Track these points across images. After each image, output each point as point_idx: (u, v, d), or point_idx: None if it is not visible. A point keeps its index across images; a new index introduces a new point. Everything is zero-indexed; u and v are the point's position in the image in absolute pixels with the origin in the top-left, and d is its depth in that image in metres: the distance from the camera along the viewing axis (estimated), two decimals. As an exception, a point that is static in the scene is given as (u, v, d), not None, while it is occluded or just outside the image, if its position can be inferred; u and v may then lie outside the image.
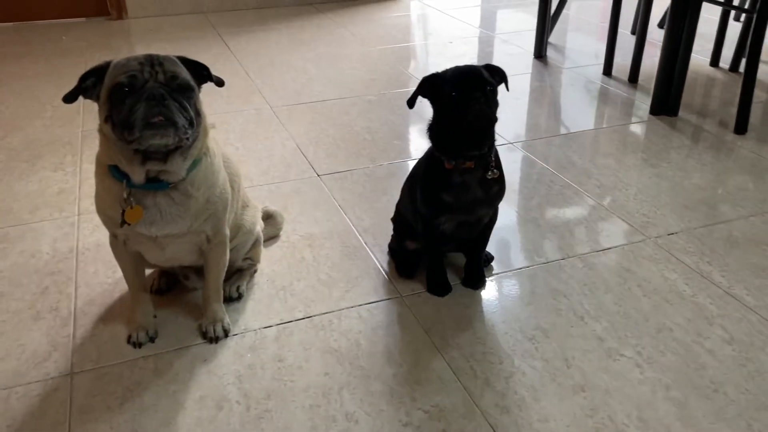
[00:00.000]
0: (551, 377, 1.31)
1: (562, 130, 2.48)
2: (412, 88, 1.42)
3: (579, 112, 2.66)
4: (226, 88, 2.89)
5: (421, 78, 1.41)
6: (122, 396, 1.29)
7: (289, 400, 1.27)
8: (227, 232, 1.41)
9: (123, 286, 1.59)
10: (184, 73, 1.21)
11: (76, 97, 1.21)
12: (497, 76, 1.43)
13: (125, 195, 1.24)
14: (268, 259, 1.71)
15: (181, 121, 1.17)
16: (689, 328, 1.44)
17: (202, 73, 1.27)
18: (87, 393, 1.30)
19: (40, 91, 2.93)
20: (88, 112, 2.65)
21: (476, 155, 1.40)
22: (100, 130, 1.23)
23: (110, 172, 1.25)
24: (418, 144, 2.38)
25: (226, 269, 1.46)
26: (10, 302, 1.57)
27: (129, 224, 1.26)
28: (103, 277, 1.66)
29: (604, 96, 2.82)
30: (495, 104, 1.38)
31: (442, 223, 1.51)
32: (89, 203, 1.99)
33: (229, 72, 3.12)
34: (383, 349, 1.40)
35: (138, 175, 1.23)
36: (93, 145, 2.40)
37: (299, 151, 2.32)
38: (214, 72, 1.30)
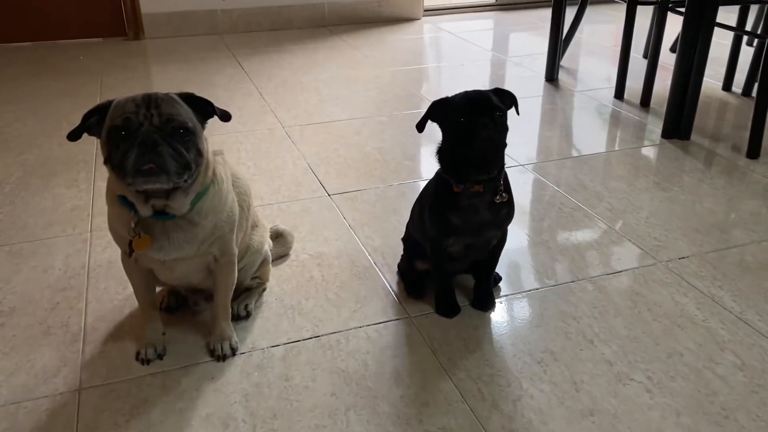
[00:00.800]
0: (559, 401, 1.30)
1: (574, 153, 2.48)
2: (424, 110, 1.44)
3: (590, 135, 2.67)
4: (239, 108, 2.94)
5: (431, 100, 1.43)
6: (129, 413, 1.29)
7: (295, 419, 1.27)
8: (235, 251, 1.41)
9: (132, 303, 1.60)
10: (183, 114, 1.19)
11: (80, 135, 1.22)
12: (507, 100, 1.44)
13: (133, 224, 1.25)
14: (277, 277, 1.71)
15: (173, 167, 1.15)
16: (700, 353, 1.42)
17: (206, 109, 1.26)
18: (94, 409, 1.30)
19: (57, 109, 2.97)
20: (104, 130, 2.68)
21: (485, 179, 1.41)
22: None
23: (119, 200, 1.27)
24: (429, 165, 2.39)
25: (234, 288, 1.46)
26: (21, 317, 1.58)
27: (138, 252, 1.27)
28: (114, 293, 1.67)
29: (615, 119, 2.82)
30: (504, 129, 1.39)
31: (450, 245, 1.51)
32: (102, 220, 2.01)
33: (242, 92, 3.16)
34: (391, 369, 1.40)
35: (144, 210, 1.24)
36: (107, 163, 2.43)
37: (310, 170, 2.33)
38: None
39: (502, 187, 1.44)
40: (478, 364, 1.41)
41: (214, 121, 1.30)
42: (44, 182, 2.29)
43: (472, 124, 1.34)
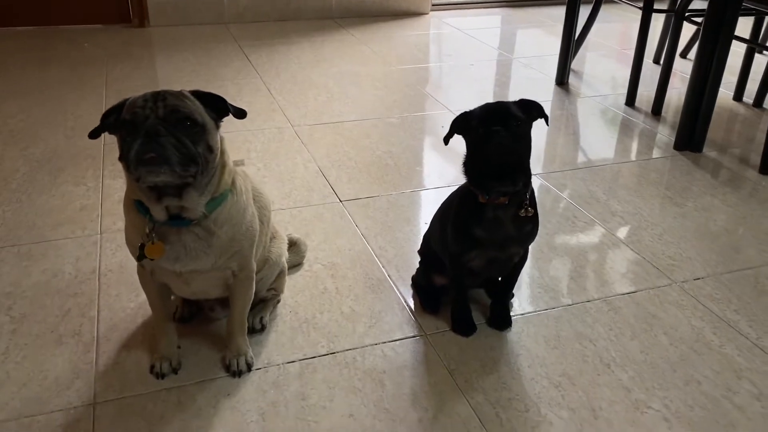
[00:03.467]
0: (578, 428, 1.30)
1: (585, 163, 2.47)
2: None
3: (602, 144, 2.65)
4: (248, 104, 2.91)
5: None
6: (145, 430, 1.28)
7: (313, 442, 1.26)
8: (254, 266, 1.40)
9: (145, 311, 1.58)
10: (189, 108, 1.17)
11: (99, 134, 1.22)
12: (534, 111, 1.42)
13: (147, 230, 1.24)
14: (291, 288, 1.69)
15: (176, 158, 1.13)
16: (718, 382, 1.42)
17: (219, 106, 1.23)
18: (109, 426, 1.29)
19: (62, 101, 2.93)
20: (110, 125, 2.65)
21: (510, 191, 1.39)
22: None
23: (135, 205, 1.25)
24: (441, 172, 2.37)
25: (251, 302, 1.45)
26: (32, 325, 1.56)
27: (151, 259, 1.26)
28: (126, 301, 1.65)
29: (626, 128, 2.81)
30: (522, 139, 1.37)
31: (472, 259, 1.49)
32: (111, 221, 1.99)
33: (250, 87, 3.12)
34: (408, 391, 1.39)
35: (158, 212, 1.22)
36: (115, 159, 2.40)
37: (321, 174, 2.31)
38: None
39: (527, 201, 1.43)
40: (495, 387, 1.40)
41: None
42: (51, 179, 2.26)
43: (487, 133, 1.34)
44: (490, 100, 1.41)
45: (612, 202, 2.17)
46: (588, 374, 1.44)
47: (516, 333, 1.56)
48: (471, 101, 3.04)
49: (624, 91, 3.08)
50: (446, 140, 1.45)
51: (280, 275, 1.58)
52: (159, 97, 1.16)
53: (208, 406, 1.34)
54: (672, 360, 1.48)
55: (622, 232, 1.99)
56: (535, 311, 1.64)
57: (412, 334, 1.55)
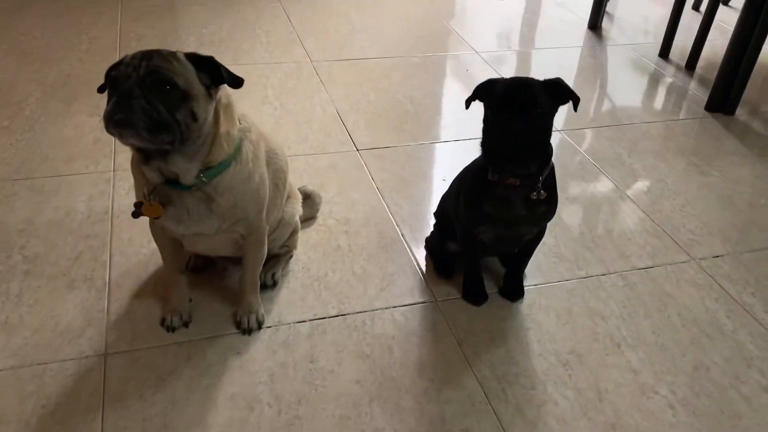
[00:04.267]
0: (583, 411, 1.31)
1: (611, 120, 2.38)
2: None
3: (630, 100, 2.56)
4: (267, 32, 2.81)
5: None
6: (155, 385, 1.30)
7: (319, 407, 1.28)
8: (265, 229, 1.38)
9: (158, 259, 1.57)
10: (173, 71, 1.11)
11: (105, 90, 1.17)
12: (564, 95, 1.33)
13: (145, 191, 1.22)
14: (304, 243, 1.68)
15: (142, 123, 1.08)
16: (727, 369, 1.42)
17: (215, 73, 1.16)
18: (120, 378, 1.31)
19: (77, 19, 2.84)
20: (124, 48, 2.57)
21: (523, 174, 1.34)
22: None
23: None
24: (461, 125, 2.30)
25: (263, 262, 1.44)
26: (45, 266, 1.57)
27: (156, 218, 1.25)
28: (138, 246, 1.65)
29: (657, 82, 2.70)
30: (539, 126, 1.30)
31: (481, 233, 1.46)
32: (125, 158, 1.96)
33: (269, 13, 3.00)
34: (416, 359, 1.39)
35: (150, 174, 1.20)
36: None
37: (339, 118, 2.25)
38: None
39: (540, 184, 1.37)
40: (503, 360, 1.40)
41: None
42: (65, 106, 2.21)
43: (500, 113, 1.28)
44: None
45: (636, 165, 2.11)
46: (597, 353, 1.44)
47: (527, 305, 1.55)
48: (496, 43, 2.93)
49: (659, 40, 2.93)
50: (467, 104, 1.37)
51: (293, 233, 1.57)
52: (146, 56, 1.11)
53: (218, 364, 1.35)
54: (683, 343, 1.47)
55: (644, 201, 1.94)
56: (548, 282, 1.62)
57: (422, 300, 1.54)
